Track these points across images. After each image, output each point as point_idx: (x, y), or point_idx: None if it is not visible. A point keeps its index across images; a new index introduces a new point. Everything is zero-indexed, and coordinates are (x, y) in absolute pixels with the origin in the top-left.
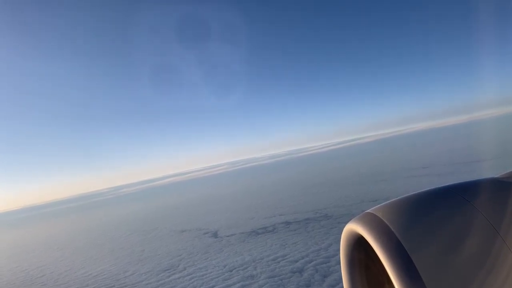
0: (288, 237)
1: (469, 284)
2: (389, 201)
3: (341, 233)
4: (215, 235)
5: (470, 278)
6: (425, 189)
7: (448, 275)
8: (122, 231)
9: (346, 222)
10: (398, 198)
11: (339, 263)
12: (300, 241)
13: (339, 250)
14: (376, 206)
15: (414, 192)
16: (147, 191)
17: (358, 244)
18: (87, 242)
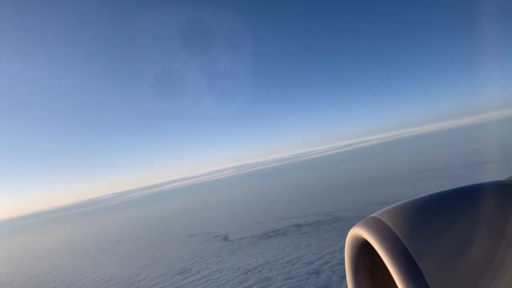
0: (300, 239)
1: None
2: (394, 205)
3: None
4: (225, 238)
5: (476, 282)
6: (430, 193)
7: (454, 279)
8: (131, 236)
9: None
10: (403, 202)
11: None
12: (313, 243)
13: None
14: (381, 211)
15: (418, 196)
16: (154, 196)
17: (363, 249)
18: (96, 247)
